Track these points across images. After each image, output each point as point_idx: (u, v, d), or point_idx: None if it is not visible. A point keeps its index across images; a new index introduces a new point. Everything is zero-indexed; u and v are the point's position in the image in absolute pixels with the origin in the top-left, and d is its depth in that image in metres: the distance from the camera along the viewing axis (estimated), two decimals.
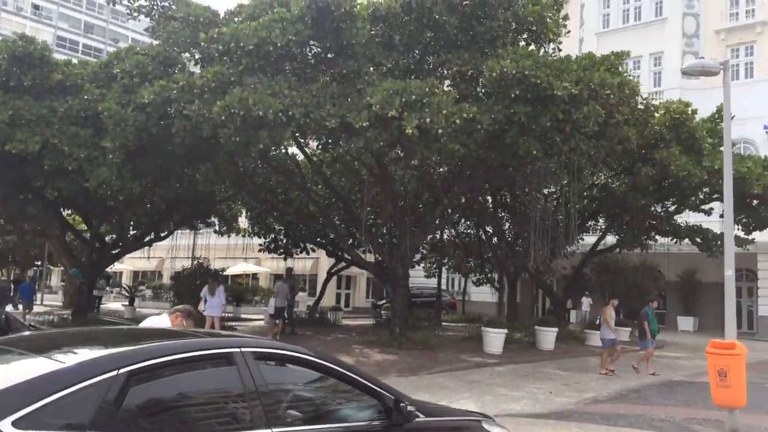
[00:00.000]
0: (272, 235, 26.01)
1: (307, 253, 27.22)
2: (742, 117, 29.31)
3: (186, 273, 24.53)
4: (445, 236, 26.71)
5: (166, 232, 26.03)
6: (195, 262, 26.99)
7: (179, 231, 28.62)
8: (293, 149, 20.57)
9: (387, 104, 13.91)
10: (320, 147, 20.75)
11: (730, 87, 13.44)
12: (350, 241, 23.39)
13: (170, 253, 32.15)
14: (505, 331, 18.38)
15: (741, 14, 32.78)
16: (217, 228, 27.89)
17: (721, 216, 22.63)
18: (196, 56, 17.54)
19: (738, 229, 22.41)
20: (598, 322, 16.80)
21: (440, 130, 13.96)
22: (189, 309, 6.40)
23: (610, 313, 16.05)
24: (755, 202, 21.19)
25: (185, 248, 33.06)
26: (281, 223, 24.96)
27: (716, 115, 21.63)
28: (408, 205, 20.54)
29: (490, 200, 23.49)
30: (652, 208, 22.19)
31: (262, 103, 13.89)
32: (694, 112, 20.93)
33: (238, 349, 3.47)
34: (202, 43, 15.69)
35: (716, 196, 21.19)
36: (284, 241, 26.00)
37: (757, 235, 23.31)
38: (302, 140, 19.35)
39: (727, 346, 8.41)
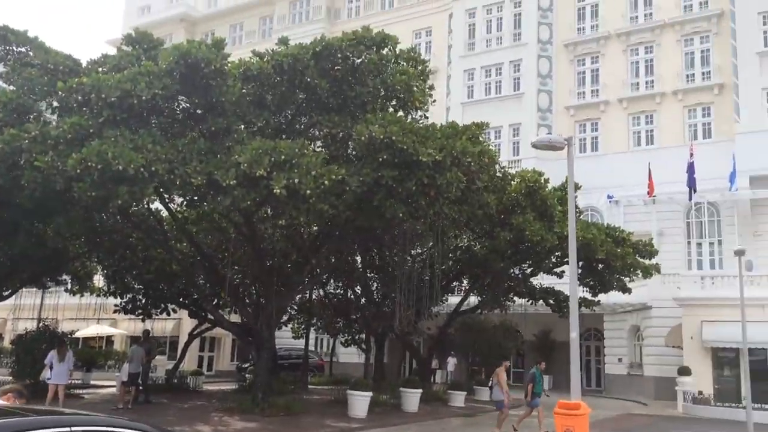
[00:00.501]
0: (130, 295, 24.53)
1: (168, 314, 25.88)
2: (589, 186, 31.91)
3: (30, 336, 22.40)
4: (313, 296, 26.52)
5: (9, 291, 23.79)
6: (41, 323, 24.75)
7: (25, 289, 26.27)
8: (157, 204, 19.77)
9: (256, 163, 13.82)
10: (186, 204, 20.10)
11: (573, 160, 14.70)
12: (214, 301, 22.58)
13: (13, 313, 29.33)
14: (370, 393, 18.31)
15: (587, 94, 36.22)
16: (68, 286, 25.90)
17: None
18: (54, 105, 16.60)
19: (585, 292, 24.14)
20: (490, 384, 17.18)
21: (309, 191, 14.02)
22: (20, 389, 6.45)
23: (503, 375, 16.50)
24: (600, 266, 22.91)
25: (31, 308, 30.30)
26: (141, 282, 23.64)
27: (566, 185, 23.42)
28: (276, 264, 20.26)
29: (359, 260, 23.72)
30: (511, 271, 23.38)
31: (123, 156, 13.31)
32: (546, 181, 22.54)
33: (68, 429, 3.24)
34: (60, 92, 14.89)
35: (567, 260, 22.71)
36: (143, 301, 24.59)
37: (602, 297, 25.16)
38: (167, 196, 18.67)
39: (572, 407, 8.89)
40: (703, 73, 33.25)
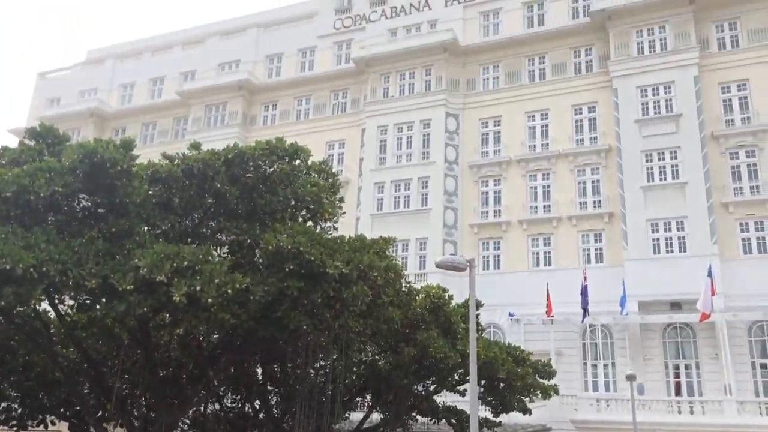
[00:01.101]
0: (5, 404, 22.20)
1: (46, 427, 23.50)
2: (492, 303, 32.67)
3: None
4: (208, 410, 24.97)
5: None
6: None
7: None
8: (45, 305, 18.46)
9: (156, 268, 13.32)
10: (76, 307, 18.89)
11: (475, 281, 15.11)
12: (99, 413, 20.80)
13: None
14: None
15: (490, 213, 37.95)
16: None
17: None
18: None
19: (487, 411, 24.09)
20: None
21: (210, 300, 13.56)
22: None
23: None
24: (501, 385, 23.06)
25: None
26: (18, 389, 21.53)
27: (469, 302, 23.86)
28: (170, 374, 19.10)
29: (259, 372, 22.77)
30: (414, 387, 23.08)
31: (12, 255, 12.50)
32: (450, 297, 22.89)
33: None
34: None
35: (468, 378, 22.79)
36: (19, 411, 22.28)
37: (504, 417, 25.13)
38: (56, 297, 17.50)
39: None
40: (594, 202, 35.73)
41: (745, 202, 32.33)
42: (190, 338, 17.69)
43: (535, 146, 38.24)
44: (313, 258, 15.64)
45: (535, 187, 37.35)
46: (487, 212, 38.11)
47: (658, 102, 35.25)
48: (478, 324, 24.57)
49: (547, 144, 37.88)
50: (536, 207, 36.96)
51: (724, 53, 35.41)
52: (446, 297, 22.80)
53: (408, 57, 41.65)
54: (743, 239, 32.04)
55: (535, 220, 36.39)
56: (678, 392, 30.35)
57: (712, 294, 27.39)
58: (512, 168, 38.08)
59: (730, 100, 34.66)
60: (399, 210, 38.95)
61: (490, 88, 40.69)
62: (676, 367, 31.42)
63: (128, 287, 13.30)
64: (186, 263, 13.53)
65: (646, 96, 35.63)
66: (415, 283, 30.31)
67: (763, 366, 29.96)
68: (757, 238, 31.81)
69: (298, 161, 19.37)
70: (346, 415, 23.43)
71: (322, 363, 22.00)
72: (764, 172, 32.53)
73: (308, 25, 47.45)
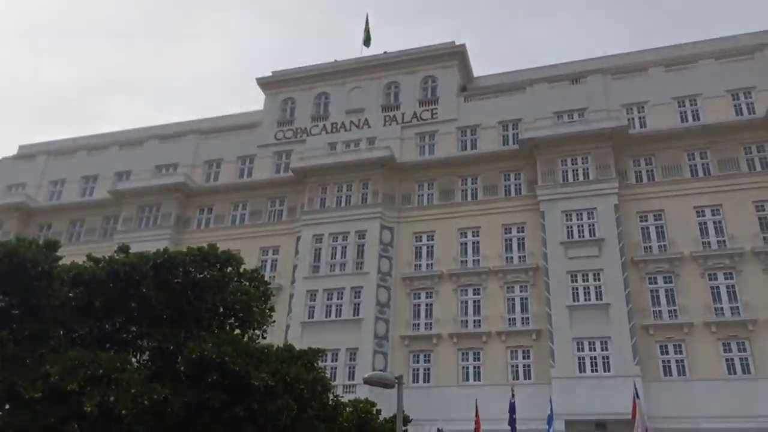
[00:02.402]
0: None
1: None
2: (421, 418, 31.99)
3: None
4: None
5: None
6: None
7: None
8: None
9: (69, 376, 12.70)
10: None
11: (402, 397, 14.96)
12: None
13: None
14: None
15: (422, 326, 38.01)
16: None
17: None
18: None
19: None
20: None
21: (124, 411, 12.91)
22: None
23: None
24: None
25: None
26: None
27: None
28: None
29: None
30: None
31: None
32: (378, 412, 22.44)
33: None
34: None
35: None
36: None
37: None
38: None
39: None
40: (522, 318, 36.43)
41: (664, 326, 33.65)
42: None
43: (466, 261, 39.16)
44: (238, 368, 15.31)
45: (466, 302, 37.88)
46: (418, 324, 38.18)
47: (582, 226, 37.10)
48: None
49: (479, 260, 38.88)
50: (467, 321, 37.31)
51: (642, 185, 38.00)
52: (374, 411, 22.36)
53: (346, 170, 42.82)
54: (663, 361, 33.05)
55: (465, 334, 36.64)
56: None
57: (634, 416, 27.73)
58: (444, 282, 38.69)
59: (648, 228, 36.84)
60: (330, 318, 38.59)
61: (425, 204, 41.98)
62: None
63: (36, 395, 12.58)
64: (101, 371, 13.01)
65: (571, 220, 37.48)
66: (343, 395, 29.54)
67: None
68: (677, 361, 32.88)
69: (229, 268, 19.28)
70: None
71: None
72: (681, 297, 34.16)
73: (249, 134, 48.45)
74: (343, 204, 42.58)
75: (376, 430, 21.91)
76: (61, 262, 15.64)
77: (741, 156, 36.85)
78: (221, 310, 18.53)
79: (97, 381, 12.81)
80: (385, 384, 14.80)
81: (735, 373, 31.82)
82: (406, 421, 23.78)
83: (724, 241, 34.99)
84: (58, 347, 13.81)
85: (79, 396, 12.61)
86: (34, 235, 45.49)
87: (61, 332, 14.76)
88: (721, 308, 33.39)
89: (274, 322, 23.05)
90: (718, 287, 33.94)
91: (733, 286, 33.72)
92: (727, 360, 32.20)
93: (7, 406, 14.45)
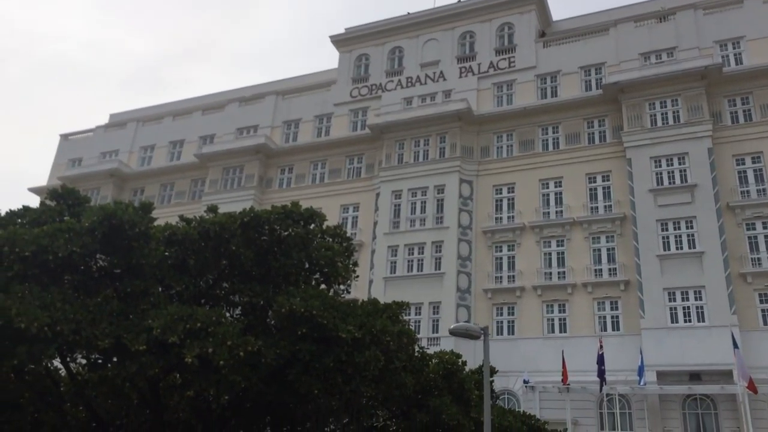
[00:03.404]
0: None
1: None
2: (506, 370, 32.24)
3: None
4: None
5: None
6: None
7: None
8: (56, 363, 18.44)
9: (169, 329, 13.38)
10: (87, 366, 18.85)
11: (489, 349, 14.94)
12: None
13: None
14: None
15: (504, 279, 37.75)
16: None
17: None
18: None
19: None
20: None
21: (222, 362, 13.54)
22: None
23: None
24: None
25: None
26: None
27: (483, 369, 23.49)
28: None
29: None
30: None
31: (27, 314, 12.65)
32: (464, 363, 22.57)
33: None
34: None
35: None
36: None
37: None
38: (68, 356, 17.52)
39: None
40: (609, 269, 35.49)
41: (764, 273, 31.97)
42: (200, 400, 17.50)
43: (549, 213, 38.36)
44: (325, 322, 15.66)
45: (550, 254, 37.23)
46: (501, 277, 37.92)
47: (673, 172, 35.45)
48: (492, 391, 24.11)
49: (561, 211, 37.98)
50: (550, 273, 36.74)
51: (738, 126, 35.77)
52: (460, 363, 22.49)
53: (423, 125, 42.48)
54: (763, 310, 31.51)
55: (550, 287, 36.13)
56: None
57: (743, 366, 26.72)
58: (526, 234, 38.11)
59: (745, 171, 34.78)
60: (412, 273, 38.90)
61: (504, 155, 41.19)
62: None
63: (141, 348, 13.34)
64: (199, 325, 13.60)
65: (660, 166, 35.86)
66: (428, 347, 29.94)
67: None
68: None
69: (312, 225, 19.62)
70: None
71: (333, 427, 21.60)
72: None
73: (325, 93, 48.75)
74: (420, 159, 42.39)
75: (462, 381, 22.06)
76: (155, 224, 16.38)
77: None
78: (306, 266, 18.93)
79: (195, 334, 13.46)
80: (470, 335, 14.84)
81: None
82: (492, 372, 23.81)
83: None
84: (157, 303, 14.57)
85: (180, 348, 13.31)
86: (129, 198, 48.03)
87: (160, 289, 15.54)
88: None
89: (357, 277, 23.44)
90: None
91: None
92: None
93: (114, 359, 15.48)
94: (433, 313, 37.28)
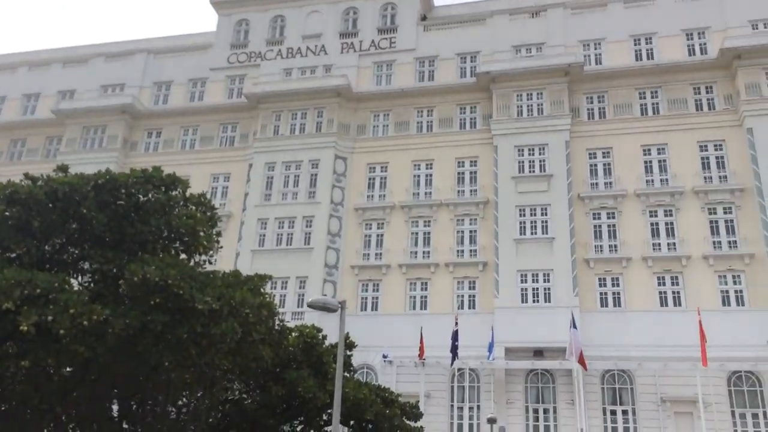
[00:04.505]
0: None
1: None
2: (368, 344, 32.93)
3: None
4: None
5: None
6: None
7: None
8: None
9: (4, 295, 12.49)
10: None
11: (345, 322, 15.28)
12: None
13: None
14: None
15: (372, 256, 38.51)
16: None
17: None
18: None
19: None
20: None
21: (63, 331, 12.84)
22: None
23: None
24: (369, 426, 23.11)
25: None
26: None
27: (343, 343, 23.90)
28: (11, 410, 17.66)
29: (115, 409, 21.50)
30: (281, 427, 22.67)
31: None
32: (324, 337, 22.91)
33: None
34: None
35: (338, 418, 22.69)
36: None
37: None
38: None
39: None
40: (470, 251, 37.19)
41: (604, 259, 34.85)
42: (38, 371, 16.48)
43: (419, 194, 39.45)
44: (181, 292, 15.27)
45: (417, 233, 38.38)
46: (368, 254, 38.64)
47: (533, 161, 37.59)
48: (350, 365, 24.68)
49: (431, 193, 39.21)
50: (416, 252, 37.93)
51: (593, 122, 38.47)
52: (320, 337, 22.79)
53: (301, 97, 42.07)
54: (601, 293, 34.42)
55: (415, 265, 37.31)
56: None
57: (577, 343, 29.04)
58: (396, 213, 39.01)
59: (596, 165, 37.53)
60: (281, 247, 38.71)
61: (380, 134, 41.77)
62: (536, 411, 32.93)
63: None
64: (38, 291, 12.81)
65: (523, 155, 37.90)
66: (291, 321, 30.03)
67: (612, 412, 32.02)
68: (613, 293, 34.30)
69: (175, 192, 18.96)
70: None
71: (185, 401, 21.18)
72: (622, 233, 35.28)
73: (201, 57, 46.88)
74: (297, 132, 42.05)
75: (321, 354, 22.38)
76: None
77: (690, 96, 37.47)
78: (166, 233, 18.30)
79: (34, 300, 12.66)
80: (328, 308, 15.06)
81: (667, 305, 33.38)
82: (351, 346, 24.40)
83: (667, 180, 36.00)
84: None
85: (15, 315, 12.47)
86: None
87: None
88: (659, 244, 34.68)
89: (221, 247, 23.02)
90: (657, 224, 35.11)
91: (671, 223, 34.93)
92: (660, 293, 33.71)
93: None
94: (300, 288, 37.36)
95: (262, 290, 19.02)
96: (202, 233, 19.00)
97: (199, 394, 19.94)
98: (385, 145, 41.04)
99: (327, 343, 23.37)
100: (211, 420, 21.97)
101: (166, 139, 44.63)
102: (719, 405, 30.12)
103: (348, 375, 24.22)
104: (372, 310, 37.15)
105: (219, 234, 20.98)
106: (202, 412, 20.03)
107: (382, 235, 38.87)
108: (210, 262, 20.85)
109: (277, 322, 20.37)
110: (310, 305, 15.04)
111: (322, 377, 21.82)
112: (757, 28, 37.81)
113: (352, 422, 23.62)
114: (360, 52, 44.17)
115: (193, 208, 19.57)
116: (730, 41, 36.40)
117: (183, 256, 19.12)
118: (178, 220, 18.06)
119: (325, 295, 35.00)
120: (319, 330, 23.32)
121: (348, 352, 24.35)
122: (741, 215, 33.99)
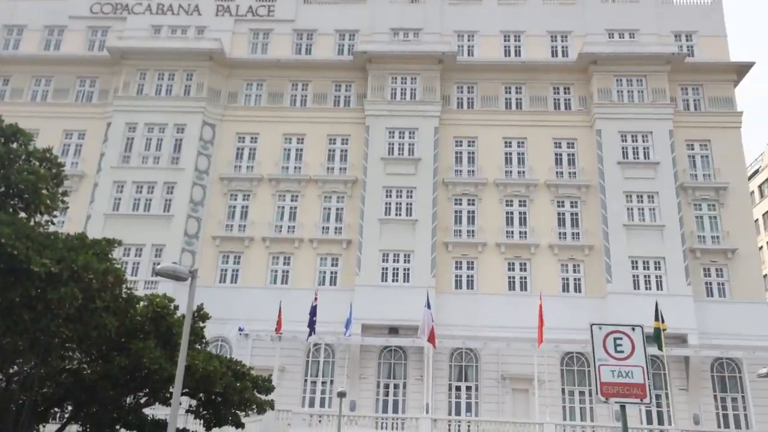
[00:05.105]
0: None
1: None
2: (224, 317, 32.58)
3: None
4: None
5: None
6: None
7: None
8: None
9: None
10: None
11: (195, 290, 14.95)
12: None
13: None
14: None
15: (235, 228, 37.72)
16: None
17: (187, 411, 23.64)
18: None
19: (199, 425, 23.64)
20: None
21: None
22: None
23: None
24: (218, 399, 22.80)
25: None
26: None
27: (195, 314, 23.33)
28: None
29: None
30: (124, 399, 21.82)
31: None
32: (176, 307, 22.24)
33: None
34: None
35: (186, 390, 22.19)
36: None
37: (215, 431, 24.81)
38: None
39: None
40: (336, 228, 37.50)
41: (462, 244, 36.48)
42: None
43: (288, 168, 39.08)
44: (16, 252, 14.27)
45: (283, 207, 38.07)
46: (232, 226, 37.86)
47: (403, 144, 38.42)
48: (202, 337, 24.13)
49: (300, 167, 38.98)
50: (281, 227, 37.67)
51: (461, 111, 39.87)
52: (171, 307, 22.09)
53: (170, 58, 40.12)
54: (456, 276, 36.05)
55: (279, 239, 37.05)
56: (386, 410, 32.92)
57: (432, 322, 30.23)
58: (263, 186, 38.44)
59: (461, 153, 39.02)
60: (138, 213, 36.94)
61: (252, 104, 40.84)
62: (387, 387, 34.07)
63: None
64: None
65: (394, 137, 38.61)
66: (144, 290, 28.86)
67: (457, 388, 33.82)
68: (467, 276, 36.04)
69: (15, 144, 17.59)
70: (40, 427, 21.26)
71: (17, 369, 19.83)
72: (480, 220, 37.05)
73: (60, 2, 43.23)
74: (163, 93, 40.16)
75: (172, 325, 21.71)
76: None
77: (550, 95, 39.86)
78: (3, 189, 16.96)
79: None
80: (178, 276, 14.59)
81: (515, 289, 35.59)
82: (205, 317, 23.87)
83: (524, 172, 38.19)
84: None
85: None
86: None
87: None
88: (512, 232, 36.81)
89: (67, 208, 21.67)
90: (512, 213, 37.22)
91: (525, 213, 37.17)
92: (510, 278, 35.87)
93: None
94: (156, 256, 35.89)
95: (110, 256, 18.13)
96: (45, 191, 17.82)
97: (32, 363, 18.73)
98: (257, 116, 40.22)
99: (179, 313, 22.72)
100: (45, 390, 20.77)
101: (14, 87, 40.95)
102: (552, 383, 32.68)
103: (200, 347, 23.72)
104: (232, 282, 36.52)
105: (65, 194, 19.70)
106: (35, 381, 18.85)
107: (247, 207, 38.19)
108: (53, 223, 19.59)
109: (124, 289, 19.52)
110: (158, 272, 14.51)
111: (171, 349, 21.17)
112: (613, 37, 40.82)
113: (201, 395, 23.21)
114: (236, 16, 42.78)
115: (37, 163, 18.26)
116: (588, 47, 39.07)
117: (22, 214, 17.82)
118: (17, 175, 16.79)
119: (182, 264, 33.89)
120: (171, 300, 22.59)
121: (201, 324, 23.83)
122: (585, 209, 36.84)
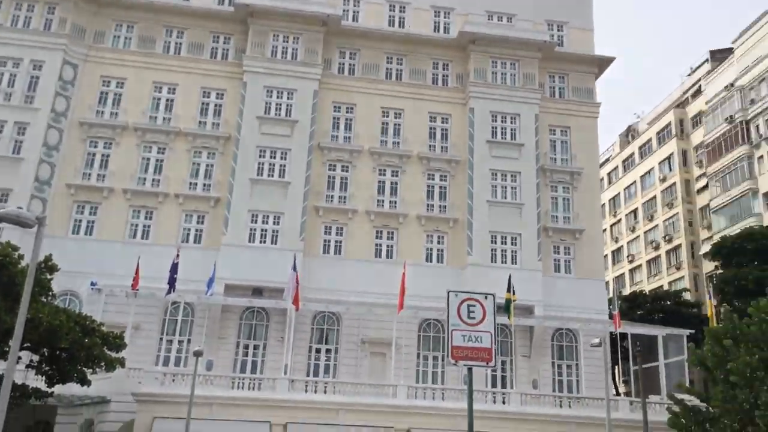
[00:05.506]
0: None
1: None
2: (76, 270, 30.86)
3: None
4: None
5: None
6: None
7: None
8: None
9: None
10: None
11: (42, 240, 13.99)
12: None
13: None
14: None
15: (93, 177, 35.41)
16: None
17: (28, 366, 22.29)
18: None
19: (40, 381, 22.36)
20: None
21: None
22: None
23: None
24: (64, 355, 21.66)
25: None
26: None
27: (42, 264, 21.86)
28: None
29: None
30: None
31: None
32: (21, 257, 20.75)
33: None
34: None
35: (28, 345, 20.84)
36: None
37: (60, 388, 23.57)
38: None
39: None
40: (204, 185, 36.27)
41: (333, 209, 36.62)
42: None
43: (156, 118, 37.19)
44: None
45: (148, 159, 36.28)
46: (89, 174, 35.59)
47: (280, 105, 37.67)
48: (50, 289, 22.76)
49: (170, 119, 37.22)
50: (145, 179, 35.94)
51: (342, 77, 39.55)
52: (15, 256, 20.61)
53: None
54: (325, 240, 36.22)
55: (141, 192, 35.36)
56: (244, 370, 32.72)
57: (297, 285, 30.19)
58: (127, 134, 36.37)
59: (339, 118, 38.80)
60: None
61: (120, 47, 38.27)
62: (246, 347, 33.84)
63: None
64: None
65: (272, 97, 37.74)
66: None
67: (318, 350, 34.25)
68: (336, 241, 36.34)
69: None
70: None
71: None
72: (352, 187, 37.32)
73: None
74: (19, 25, 36.81)
75: (15, 275, 20.26)
76: None
77: (429, 69, 40.58)
78: None
79: None
80: (22, 222, 13.53)
81: (381, 257, 36.39)
82: (53, 269, 22.51)
83: (398, 143, 38.83)
84: None
85: None
86: None
87: None
88: (383, 201, 37.47)
89: None
90: (384, 182, 37.82)
91: (396, 183, 37.90)
92: (377, 245, 36.60)
93: None
94: (1, 201, 33.00)
95: None
96: None
97: None
98: (125, 60, 37.80)
99: (24, 263, 21.18)
100: None
101: None
102: (408, 347, 33.96)
103: (46, 300, 22.34)
104: (87, 234, 34.47)
105: None
106: None
107: (108, 156, 36.03)
108: None
109: None
110: (0, 217, 13.39)
111: (13, 300, 19.81)
112: (492, 19, 42.11)
113: (45, 350, 22.01)
114: None
115: None
116: (468, 26, 40.10)
117: None
118: None
119: (31, 211, 31.52)
120: (16, 249, 21.09)
121: (49, 276, 22.46)
122: (453, 184, 38.17)
